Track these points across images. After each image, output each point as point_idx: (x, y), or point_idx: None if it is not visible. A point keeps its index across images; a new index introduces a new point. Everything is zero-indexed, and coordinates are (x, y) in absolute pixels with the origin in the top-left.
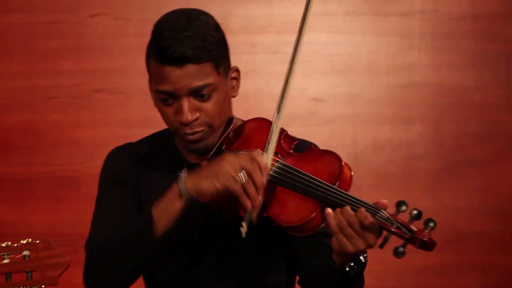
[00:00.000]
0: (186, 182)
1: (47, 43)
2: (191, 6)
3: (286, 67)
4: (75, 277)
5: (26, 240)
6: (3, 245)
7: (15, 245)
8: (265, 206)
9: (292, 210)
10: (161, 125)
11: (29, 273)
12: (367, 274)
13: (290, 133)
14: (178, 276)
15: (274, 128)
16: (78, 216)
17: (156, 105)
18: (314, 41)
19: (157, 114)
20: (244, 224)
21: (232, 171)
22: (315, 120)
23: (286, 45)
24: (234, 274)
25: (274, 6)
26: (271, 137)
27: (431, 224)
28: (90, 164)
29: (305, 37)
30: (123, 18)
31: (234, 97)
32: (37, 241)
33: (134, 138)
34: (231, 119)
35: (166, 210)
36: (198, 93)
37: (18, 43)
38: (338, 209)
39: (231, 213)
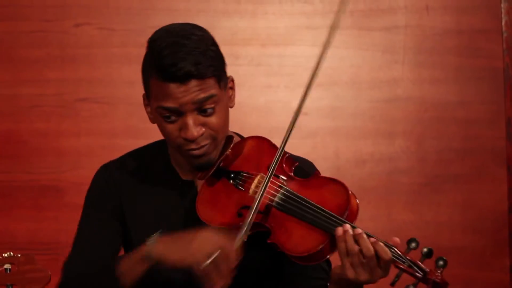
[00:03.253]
0: (154, 248)
1: (32, 52)
2: (176, 18)
3: (269, 79)
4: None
5: (8, 253)
6: None
7: None
8: (269, 232)
9: (299, 240)
10: (145, 135)
11: (10, 287)
12: None
13: (289, 152)
14: None
15: (279, 153)
16: (60, 225)
17: (157, 122)
18: (297, 54)
19: (141, 125)
20: None
21: (201, 255)
22: (298, 133)
23: (270, 58)
24: None
25: (258, 19)
26: (275, 162)
27: (441, 263)
28: (73, 173)
29: (290, 50)
30: (108, 28)
31: (231, 107)
32: (19, 255)
33: (117, 148)
34: (230, 136)
35: (130, 269)
36: (202, 108)
37: (2, 51)
38: (351, 233)
39: None
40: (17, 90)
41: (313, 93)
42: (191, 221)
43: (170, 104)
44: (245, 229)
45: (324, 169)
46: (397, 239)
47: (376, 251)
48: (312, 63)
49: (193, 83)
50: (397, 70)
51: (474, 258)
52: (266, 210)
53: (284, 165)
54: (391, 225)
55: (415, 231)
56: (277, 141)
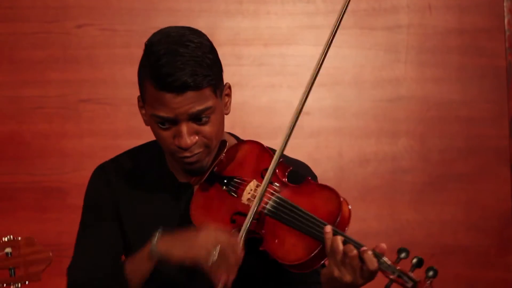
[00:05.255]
0: (158, 245)
1: (34, 53)
2: (179, 18)
3: (272, 79)
4: (60, 286)
5: (8, 237)
6: None
7: None
8: (261, 239)
9: (290, 248)
10: (147, 136)
11: (12, 270)
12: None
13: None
14: None
15: (275, 160)
16: (63, 226)
17: (151, 126)
18: (300, 54)
19: (143, 126)
20: None
21: (205, 249)
22: (301, 133)
23: (273, 58)
24: None
25: (261, 19)
26: (271, 168)
27: (431, 273)
28: (75, 175)
29: (292, 50)
30: (110, 29)
31: (227, 114)
32: (19, 238)
33: (120, 149)
34: (224, 141)
35: (137, 268)
36: (197, 117)
37: (4, 53)
38: (339, 238)
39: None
40: (19, 92)
41: (315, 93)
42: (186, 224)
43: (165, 114)
44: (244, 231)
45: (327, 169)
46: (383, 246)
47: (363, 260)
48: (314, 63)
49: (190, 94)
50: (400, 70)
51: (478, 257)
52: (258, 217)
53: (277, 171)
54: (394, 225)
55: (419, 231)
56: (280, 141)
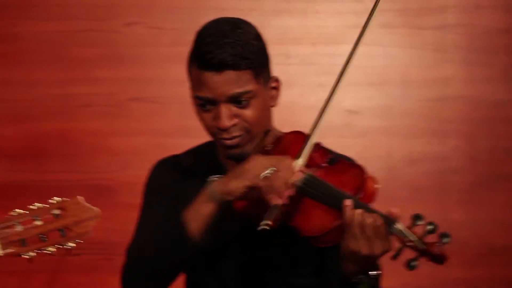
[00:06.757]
0: (216, 183)
1: (83, 51)
2: (226, 16)
3: (320, 78)
4: (111, 285)
5: (55, 200)
6: (33, 207)
7: (44, 206)
8: (290, 216)
9: (315, 221)
10: (196, 134)
11: (62, 231)
12: (401, 287)
13: (325, 145)
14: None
15: (310, 140)
16: (113, 224)
17: (195, 111)
18: (348, 53)
19: (192, 123)
20: (265, 219)
21: (258, 169)
22: (350, 132)
23: (321, 57)
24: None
25: (309, 18)
26: (304, 147)
27: (445, 239)
28: (125, 173)
29: (341, 49)
30: (157, 27)
31: (273, 106)
32: (67, 199)
33: (169, 147)
34: (268, 131)
35: (197, 213)
36: (236, 100)
37: (54, 51)
38: (355, 209)
39: (261, 218)
40: (69, 90)
41: (364, 92)
42: (231, 213)
43: (204, 94)
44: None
45: (376, 169)
46: (396, 211)
47: (375, 226)
48: (363, 62)
49: (229, 74)
50: (448, 69)
51: None
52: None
53: (314, 155)
54: (443, 224)
55: (468, 231)
56: (329, 141)
